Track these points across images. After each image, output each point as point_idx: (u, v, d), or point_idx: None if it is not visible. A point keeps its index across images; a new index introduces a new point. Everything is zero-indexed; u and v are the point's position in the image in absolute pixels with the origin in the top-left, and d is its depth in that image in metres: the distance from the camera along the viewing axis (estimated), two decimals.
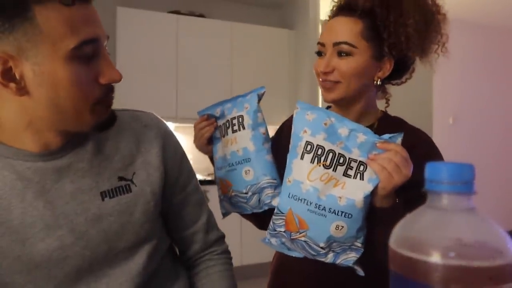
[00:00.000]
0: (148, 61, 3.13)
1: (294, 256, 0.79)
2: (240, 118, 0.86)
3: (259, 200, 0.83)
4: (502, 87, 4.80)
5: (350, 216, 0.70)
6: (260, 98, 0.89)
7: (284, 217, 0.75)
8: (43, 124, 0.61)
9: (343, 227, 0.70)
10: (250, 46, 3.49)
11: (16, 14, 0.52)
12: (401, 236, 0.34)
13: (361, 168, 0.70)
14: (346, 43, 0.79)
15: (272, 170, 0.84)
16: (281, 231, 0.76)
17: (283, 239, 0.78)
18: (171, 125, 3.25)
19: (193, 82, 3.29)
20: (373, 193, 0.70)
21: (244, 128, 0.85)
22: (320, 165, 0.72)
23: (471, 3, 3.94)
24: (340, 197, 0.70)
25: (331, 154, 0.71)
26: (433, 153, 0.83)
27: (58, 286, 0.63)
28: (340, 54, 0.81)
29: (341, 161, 0.71)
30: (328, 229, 0.71)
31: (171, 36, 3.23)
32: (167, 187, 0.75)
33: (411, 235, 0.33)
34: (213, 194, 2.84)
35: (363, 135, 0.70)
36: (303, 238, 0.73)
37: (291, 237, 0.75)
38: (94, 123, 0.62)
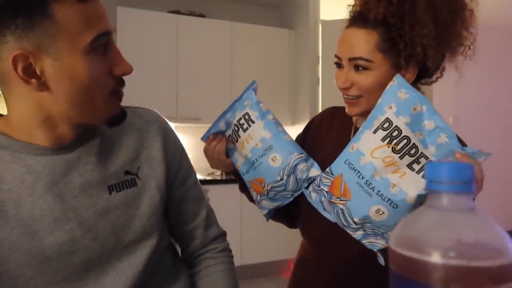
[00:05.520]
0: (148, 61, 3.13)
1: (326, 217, 0.78)
2: (246, 116, 0.87)
3: (296, 179, 0.83)
4: (502, 87, 4.80)
5: (395, 206, 0.67)
6: (255, 91, 0.90)
7: (332, 179, 0.74)
8: (59, 118, 0.63)
9: (383, 213, 0.68)
10: (250, 46, 3.49)
11: (36, 12, 0.54)
12: (401, 236, 0.34)
13: None
14: (361, 58, 0.77)
15: (295, 147, 0.85)
16: (324, 190, 0.76)
17: (323, 198, 0.77)
18: (171, 125, 3.22)
19: (193, 82, 3.29)
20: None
21: (253, 122, 0.86)
22: (389, 147, 0.69)
23: None
24: (394, 185, 0.67)
25: (405, 141, 0.68)
26: None
27: (66, 278, 0.64)
28: (357, 68, 0.78)
29: (412, 152, 0.68)
30: (368, 209, 0.69)
31: (171, 36, 3.23)
32: (167, 182, 0.77)
33: (411, 235, 0.33)
34: (213, 194, 2.85)
35: (446, 138, 0.67)
36: (341, 205, 0.73)
37: (331, 199, 0.74)
38: (108, 116, 0.65)
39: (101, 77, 0.61)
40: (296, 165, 0.82)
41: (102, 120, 0.65)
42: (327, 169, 0.77)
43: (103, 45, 0.60)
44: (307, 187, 0.83)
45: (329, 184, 0.75)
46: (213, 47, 3.36)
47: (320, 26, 3.32)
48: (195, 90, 3.28)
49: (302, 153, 0.84)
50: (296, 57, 3.59)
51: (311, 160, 0.85)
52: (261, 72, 3.49)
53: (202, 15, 3.43)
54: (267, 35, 3.55)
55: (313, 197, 0.80)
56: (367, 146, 0.70)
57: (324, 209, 0.79)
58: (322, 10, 3.40)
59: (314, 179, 0.82)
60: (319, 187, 0.77)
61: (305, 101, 3.38)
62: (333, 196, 0.74)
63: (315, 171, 0.83)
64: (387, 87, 0.72)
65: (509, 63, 4.82)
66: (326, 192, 0.75)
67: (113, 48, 0.63)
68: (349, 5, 0.82)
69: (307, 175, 0.83)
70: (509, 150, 4.81)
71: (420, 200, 0.67)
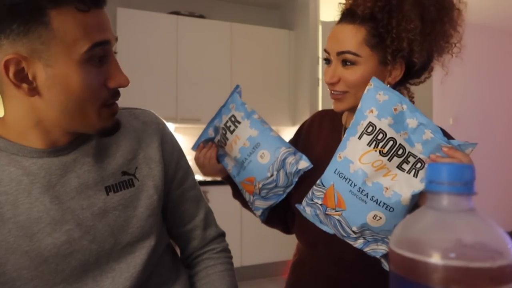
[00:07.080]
0: (148, 62, 3.13)
1: (324, 230, 0.78)
2: (232, 118, 0.89)
3: (286, 174, 0.83)
4: (503, 88, 4.81)
5: (392, 210, 0.67)
6: (240, 94, 0.91)
7: (324, 191, 0.74)
8: (51, 124, 0.62)
9: (381, 218, 0.68)
10: (250, 47, 3.49)
11: (32, 18, 0.54)
12: (401, 237, 0.34)
13: (418, 165, 0.67)
14: (349, 52, 0.78)
15: (282, 141, 0.86)
16: (317, 203, 0.75)
17: (318, 211, 0.76)
18: (171, 126, 3.26)
19: (193, 83, 3.29)
20: (422, 193, 0.66)
21: (239, 122, 0.88)
22: (376, 150, 0.68)
23: (471, 4, 3.94)
24: (387, 188, 0.67)
25: (391, 143, 0.68)
26: None
27: (65, 280, 0.64)
28: (345, 63, 0.79)
29: (399, 152, 0.68)
30: (365, 216, 0.69)
31: (171, 37, 3.23)
32: (165, 183, 0.76)
33: (411, 236, 0.33)
34: (213, 195, 2.85)
35: (431, 133, 0.66)
36: (337, 216, 0.72)
37: (326, 212, 0.74)
38: (99, 127, 0.64)
39: (95, 89, 0.60)
40: (284, 159, 0.83)
41: (93, 131, 0.65)
42: (318, 182, 0.75)
43: (99, 56, 0.59)
44: (300, 204, 0.83)
45: (322, 196, 0.74)
46: (213, 48, 3.36)
47: (320, 27, 3.33)
48: (195, 91, 3.28)
49: (289, 147, 0.85)
50: (296, 58, 3.60)
51: (299, 153, 0.85)
52: (261, 73, 3.49)
53: (202, 16, 3.43)
54: (267, 36, 3.55)
55: (307, 211, 0.79)
56: (355, 153, 0.70)
57: (321, 222, 0.78)
58: (322, 11, 3.40)
59: (303, 174, 0.81)
60: (312, 200, 0.76)
61: (305, 102, 3.38)
62: (328, 208, 0.73)
63: (304, 163, 0.83)
64: (365, 91, 0.72)
65: (509, 63, 4.82)
66: (320, 204, 0.75)
67: (111, 59, 0.62)
68: (340, 3, 0.83)
69: (297, 168, 0.82)
70: (509, 150, 4.81)
71: (414, 200, 0.67)
